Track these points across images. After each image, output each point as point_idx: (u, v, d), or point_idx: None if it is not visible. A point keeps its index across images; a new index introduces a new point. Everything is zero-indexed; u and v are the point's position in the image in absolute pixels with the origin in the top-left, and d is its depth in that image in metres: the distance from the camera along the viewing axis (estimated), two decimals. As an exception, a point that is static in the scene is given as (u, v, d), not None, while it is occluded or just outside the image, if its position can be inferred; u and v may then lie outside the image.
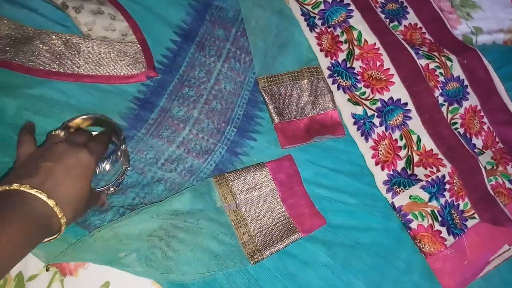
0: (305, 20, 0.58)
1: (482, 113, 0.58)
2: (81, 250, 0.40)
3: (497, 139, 0.57)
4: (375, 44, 0.56)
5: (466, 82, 0.58)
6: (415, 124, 0.54)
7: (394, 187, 0.51)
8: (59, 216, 0.34)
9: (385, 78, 0.55)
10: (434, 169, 0.52)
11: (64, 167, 0.36)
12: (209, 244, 0.43)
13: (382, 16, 0.60)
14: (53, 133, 0.41)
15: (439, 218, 0.50)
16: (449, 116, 0.55)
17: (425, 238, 0.49)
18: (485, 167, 0.53)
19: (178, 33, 0.55)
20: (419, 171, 0.52)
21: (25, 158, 0.38)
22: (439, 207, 0.50)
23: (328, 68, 0.56)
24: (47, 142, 0.40)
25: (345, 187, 0.51)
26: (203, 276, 0.42)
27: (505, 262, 0.50)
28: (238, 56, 0.56)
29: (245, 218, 0.46)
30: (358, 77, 0.56)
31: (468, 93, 0.57)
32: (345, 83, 0.56)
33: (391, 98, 0.55)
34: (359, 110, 0.55)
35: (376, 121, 0.54)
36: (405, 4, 0.63)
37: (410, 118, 0.54)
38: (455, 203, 0.51)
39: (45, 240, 0.35)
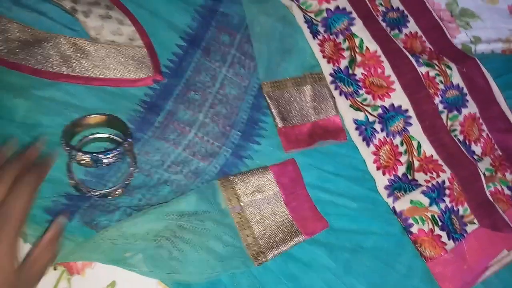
0: (308, 27, 0.59)
1: (481, 121, 0.58)
2: (88, 250, 0.41)
3: (495, 146, 0.58)
4: (376, 51, 0.57)
5: (465, 90, 0.59)
6: (416, 130, 0.55)
7: (395, 192, 0.52)
8: None
9: (386, 85, 0.56)
10: (434, 175, 0.52)
11: None
12: (214, 245, 0.44)
13: (383, 24, 0.60)
14: None
15: (440, 223, 0.50)
16: (449, 123, 0.56)
17: (425, 242, 0.49)
18: (484, 174, 0.53)
19: (184, 38, 0.56)
20: (420, 177, 0.53)
21: None
22: (439, 212, 0.51)
23: (331, 75, 0.57)
24: None
25: (347, 191, 0.51)
26: (209, 276, 0.43)
27: (505, 268, 0.50)
28: (242, 61, 0.57)
29: (249, 221, 0.46)
30: (360, 84, 0.57)
31: (468, 101, 0.58)
32: (347, 89, 0.57)
33: (392, 104, 0.56)
34: (360, 116, 0.55)
35: (378, 127, 0.55)
36: (406, 13, 0.64)
37: (410, 124, 0.55)
38: (455, 208, 0.52)
39: None
